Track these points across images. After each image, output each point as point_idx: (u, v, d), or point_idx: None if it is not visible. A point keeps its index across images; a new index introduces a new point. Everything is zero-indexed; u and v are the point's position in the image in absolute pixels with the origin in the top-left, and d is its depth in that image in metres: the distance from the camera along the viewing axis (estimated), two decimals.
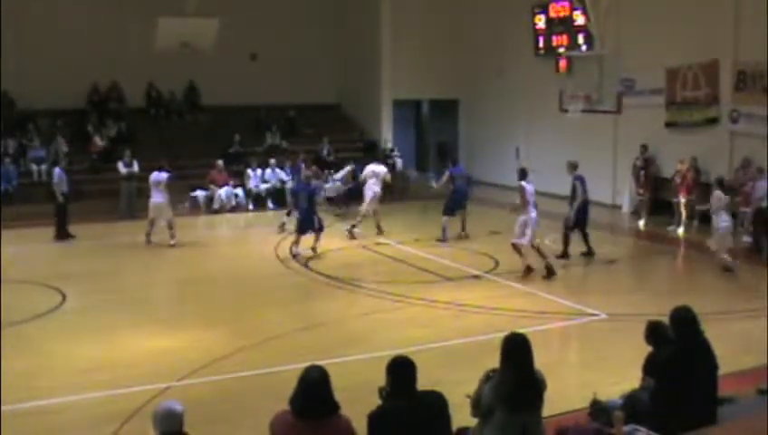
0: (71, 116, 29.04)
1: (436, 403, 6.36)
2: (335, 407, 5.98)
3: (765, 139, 20.91)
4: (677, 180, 22.18)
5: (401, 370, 6.32)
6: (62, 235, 21.05)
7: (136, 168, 24.71)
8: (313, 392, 5.91)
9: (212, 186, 26.42)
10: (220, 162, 26.77)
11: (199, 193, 26.71)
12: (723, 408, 7.82)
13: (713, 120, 22.84)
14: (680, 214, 22.11)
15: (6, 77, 27.14)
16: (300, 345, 12.53)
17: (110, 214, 24.17)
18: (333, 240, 20.71)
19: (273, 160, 27.36)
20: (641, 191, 23.72)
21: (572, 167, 18.92)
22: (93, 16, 28.33)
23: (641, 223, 23.24)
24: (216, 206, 26.34)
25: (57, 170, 21.69)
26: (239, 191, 26.65)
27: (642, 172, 23.65)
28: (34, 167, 26.61)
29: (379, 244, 19.34)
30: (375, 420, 6.19)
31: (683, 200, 22.02)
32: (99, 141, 28.19)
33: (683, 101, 23.66)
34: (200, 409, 9.45)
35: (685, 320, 7.68)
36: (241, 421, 9.60)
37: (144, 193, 22.39)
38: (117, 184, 25.18)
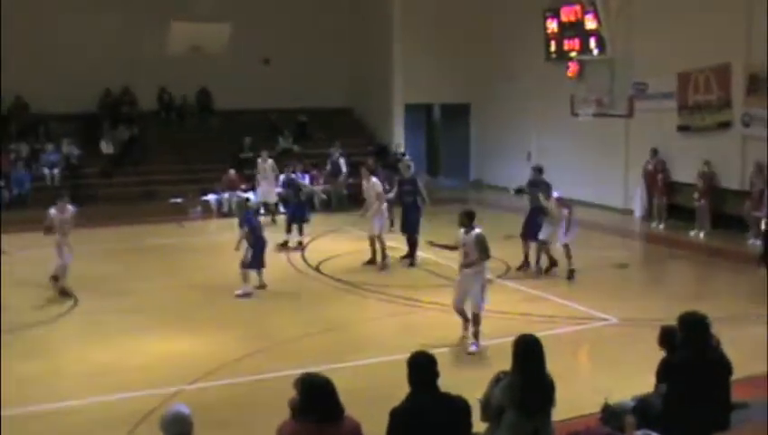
0: (83, 120, 29.16)
1: (459, 407, 6.32)
2: (340, 412, 5.96)
3: None
4: (700, 184, 22.20)
5: (423, 365, 6.29)
6: None
7: None
8: (316, 400, 5.91)
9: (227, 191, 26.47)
10: (232, 172, 26.76)
11: (211, 197, 26.75)
12: (736, 413, 7.79)
13: (725, 124, 22.77)
14: (702, 218, 22.14)
15: (20, 81, 27.26)
16: (312, 349, 12.56)
17: (121, 217, 24.19)
18: (345, 243, 20.73)
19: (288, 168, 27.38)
20: (658, 195, 23.72)
21: (538, 171, 18.66)
22: (106, 21, 28.34)
23: (661, 226, 23.25)
24: (225, 210, 26.36)
25: None
26: (251, 195, 26.59)
27: (660, 176, 23.65)
28: (47, 171, 26.70)
29: (390, 248, 19.30)
30: (398, 415, 6.16)
31: (705, 204, 22.11)
32: (105, 148, 28.29)
33: (695, 104, 23.59)
34: (211, 413, 9.49)
35: (694, 325, 7.66)
36: (252, 426, 9.61)
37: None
38: (128, 188, 25.22)
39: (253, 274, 16.35)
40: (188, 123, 31.11)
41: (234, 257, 16.33)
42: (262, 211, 24.88)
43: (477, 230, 12.67)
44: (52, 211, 16.07)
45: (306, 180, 23.62)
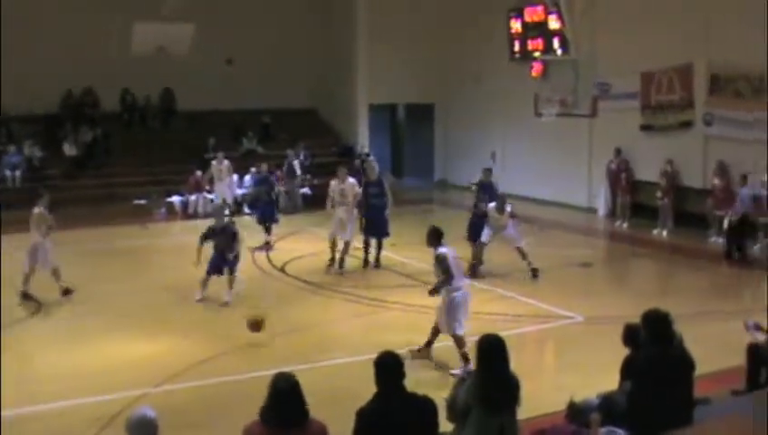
0: (45, 121, 28.88)
1: (426, 407, 6.33)
2: (305, 414, 5.94)
3: (739, 142, 21.14)
4: (663, 183, 22.41)
5: (389, 365, 6.30)
6: None
7: None
8: (283, 402, 5.88)
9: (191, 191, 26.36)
10: (198, 173, 26.64)
11: (175, 198, 26.61)
12: (698, 409, 7.86)
13: (687, 124, 23.00)
14: (665, 216, 22.35)
15: None
16: (278, 350, 12.54)
17: (85, 220, 23.99)
18: (308, 244, 20.68)
19: (253, 168, 27.28)
20: (621, 194, 23.92)
21: (488, 172, 18.80)
22: (67, 21, 28.10)
23: (625, 225, 23.45)
24: (191, 211, 26.26)
25: None
26: (215, 196, 26.44)
27: (623, 175, 23.85)
28: (8, 172, 26.43)
29: (356, 248, 19.29)
30: (364, 416, 6.17)
31: (667, 203, 22.33)
32: (68, 149, 28.06)
33: (658, 104, 23.81)
34: (179, 415, 9.45)
35: (657, 322, 7.72)
36: (220, 427, 9.56)
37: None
38: (92, 190, 25.01)
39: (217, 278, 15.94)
40: (152, 124, 30.91)
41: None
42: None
43: (439, 250, 11.83)
44: (40, 209, 15.82)
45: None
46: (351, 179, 18.53)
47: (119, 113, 30.61)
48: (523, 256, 17.25)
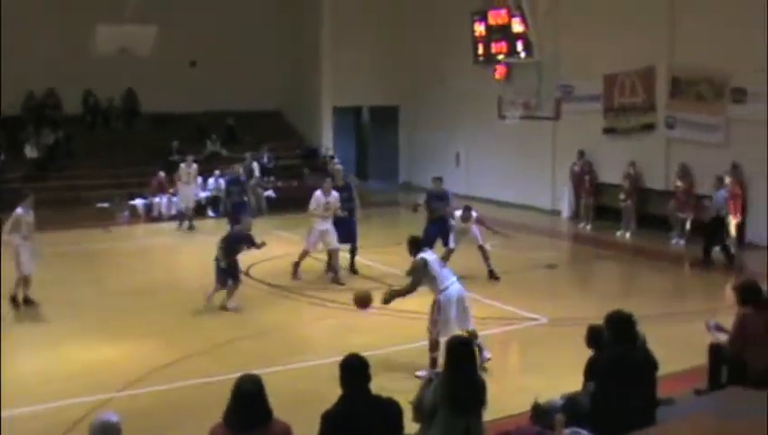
0: (6, 124, 28.53)
1: (391, 409, 6.33)
2: (268, 415, 5.92)
3: (701, 144, 21.36)
4: (626, 185, 22.58)
5: (355, 368, 6.30)
6: None
7: None
8: (246, 404, 5.85)
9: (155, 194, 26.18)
10: (162, 174, 26.49)
11: (138, 201, 26.44)
12: (661, 409, 7.92)
13: (649, 126, 23.19)
14: (628, 218, 22.53)
15: None
16: (243, 354, 12.48)
17: (47, 223, 23.73)
18: (274, 248, 20.59)
19: (217, 171, 27.17)
20: (585, 196, 24.07)
21: (438, 181, 18.48)
22: (30, 22, 27.85)
23: (588, 227, 23.60)
24: (155, 214, 26.11)
25: None
26: (179, 199, 26.24)
27: (587, 178, 24.01)
28: None
29: (320, 251, 19.23)
30: (329, 419, 6.16)
31: (630, 205, 22.51)
32: (29, 152, 27.78)
33: (620, 107, 23.99)
34: (142, 419, 9.38)
35: (620, 323, 7.78)
36: (183, 431, 9.51)
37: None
38: (54, 193, 24.77)
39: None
40: (114, 126, 30.69)
41: (162, 262, 16.12)
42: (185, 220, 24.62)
43: (418, 256, 11.73)
44: (19, 211, 15.49)
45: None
46: (335, 193, 17.65)
47: (81, 115, 30.37)
48: (485, 257, 17.29)
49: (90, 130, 30.18)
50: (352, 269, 18.23)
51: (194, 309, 15.28)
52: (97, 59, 26.54)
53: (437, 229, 17.58)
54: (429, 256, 11.79)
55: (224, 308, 15.11)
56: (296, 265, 17.78)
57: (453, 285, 11.48)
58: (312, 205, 17.50)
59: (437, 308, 11.41)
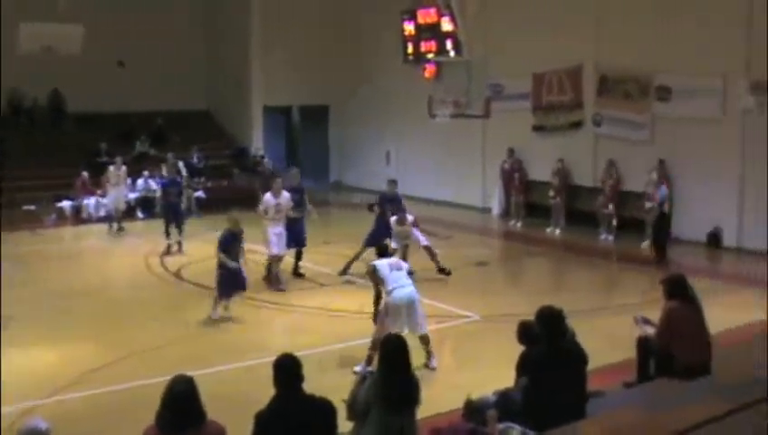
0: None
1: (324, 408, 6.33)
2: (202, 416, 5.87)
3: (628, 141, 21.72)
4: (555, 182, 22.84)
5: (288, 367, 6.29)
6: None
7: None
8: (178, 406, 5.80)
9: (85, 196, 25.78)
10: (85, 173, 26.09)
11: (66, 203, 26.02)
12: (591, 402, 8.03)
13: (577, 124, 23.50)
14: (557, 215, 22.79)
15: None
16: (174, 356, 12.33)
17: None
18: (205, 248, 20.41)
19: (146, 172, 26.83)
20: (515, 193, 24.29)
21: (393, 184, 18.58)
22: None
23: (519, 224, 23.82)
24: (84, 216, 25.71)
25: None
26: (108, 201, 25.81)
27: (517, 175, 24.22)
28: None
29: (252, 252, 19.08)
30: (262, 418, 6.15)
31: (560, 202, 22.81)
32: None
33: (549, 105, 24.27)
34: (72, 425, 9.24)
35: (549, 319, 7.87)
36: None
37: None
38: None
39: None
40: (40, 127, 30.14)
41: (92, 264, 15.88)
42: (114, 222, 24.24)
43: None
44: None
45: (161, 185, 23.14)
46: (286, 194, 17.18)
47: (5, 116, 29.76)
48: (432, 255, 17.27)
49: (14, 130, 29.54)
50: (296, 273, 17.80)
51: (123, 312, 15.11)
52: (21, 58, 25.99)
53: (383, 229, 17.50)
54: (381, 261, 12.02)
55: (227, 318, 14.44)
56: (269, 275, 17.02)
57: (401, 289, 11.55)
58: (262, 208, 17.05)
59: (384, 309, 11.55)
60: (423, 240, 17.38)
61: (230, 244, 14.41)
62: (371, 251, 14.50)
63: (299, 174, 19.05)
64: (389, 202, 18.01)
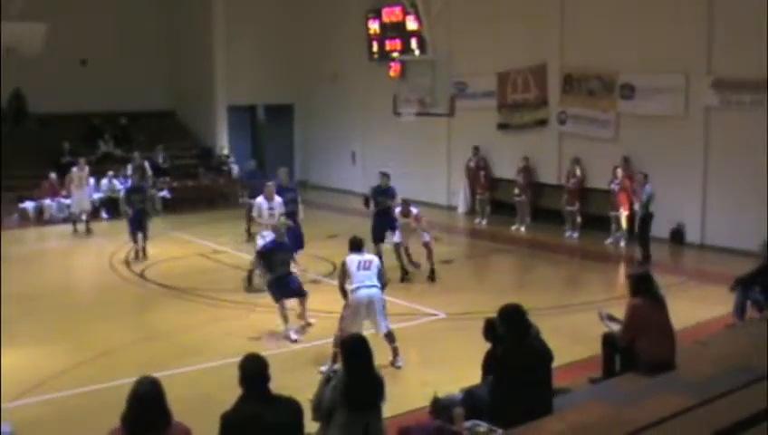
0: None
1: (291, 408, 6.29)
2: (168, 418, 5.82)
3: (592, 139, 21.86)
4: (520, 180, 22.93)
5: (254, 368, 6.24)
6: None
7: None
8: (144, 408, 5.74)
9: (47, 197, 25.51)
10: (53, 175, 25.81)
11: (28, 204, 25.75)
12: (558, 398, 8.07)
13: (542, 122, 23.61)
14: (522, 213, 22.89)
15: None
16: (139, 357, 12.25)
17: None
18: (170, 249, 20.32)
19: (111, 172, 26.58)
20: (480, 191, 24.35)
21: (386, 178, 18.57)
22: None
23: (484, 222, 23.88)
24: (46, 217, 25.46)
25: None
26: (72, 202, 25.45)
27: (482, 173, 24.29)
28: None
29: (217, 252, 19.07)
30: (229, 419, 6.10)
31: (525, 199, 22.91)
32: None
33: (513, 103, 24.36)
34: (36, 429, 9.16)
35: (513, 316, 7.88)
36: None
37: None
38: None
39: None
40: (1, 127, 29.76)
41: (55, 266, 15.71)
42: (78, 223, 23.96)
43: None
44: None
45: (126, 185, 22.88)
46: (279, 198, 17.02)
47: None
48: (429, 254, 17.12)
49: None
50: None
51: (88, 314, 14.98)
52: None
53: (382, 222, 17.69)
54: (352, 257, 11.92)
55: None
56: (250, 277, 16.61)
57: (364, 289, 11.53)
58: (255, 213, 16.91)
59: (346, 306, 11.58)
60: (426, 236, 17.26)
61: (273, 254, 13.96)
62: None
63: (287, 173, 18.87)
64: (380, 194, 18.13)
